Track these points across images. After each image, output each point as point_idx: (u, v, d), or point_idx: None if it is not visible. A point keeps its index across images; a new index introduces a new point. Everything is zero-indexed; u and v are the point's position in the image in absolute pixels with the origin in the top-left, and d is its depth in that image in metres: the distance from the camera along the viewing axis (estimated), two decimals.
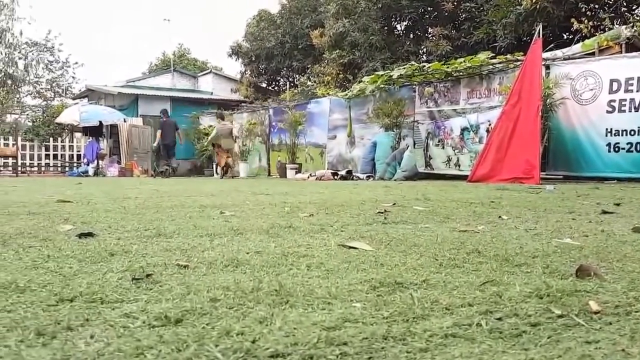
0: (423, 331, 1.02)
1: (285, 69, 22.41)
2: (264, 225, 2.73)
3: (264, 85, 23.17)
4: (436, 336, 1.00)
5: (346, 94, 13.88)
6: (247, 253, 1.88)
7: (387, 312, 1.14)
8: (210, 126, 19.39)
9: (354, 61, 17.60)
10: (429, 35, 16.91)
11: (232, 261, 1.71)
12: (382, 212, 3.37)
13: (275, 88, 23.49)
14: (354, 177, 11.79)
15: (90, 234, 2.38)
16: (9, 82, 27.62)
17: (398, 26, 19.24)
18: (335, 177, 11.67)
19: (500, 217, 3.25)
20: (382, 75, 12.48)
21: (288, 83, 21.86)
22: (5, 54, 27.64)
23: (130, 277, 1.46)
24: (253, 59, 21.87)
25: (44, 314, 1.11)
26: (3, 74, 27.34)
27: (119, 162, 18.58)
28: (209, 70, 25.32)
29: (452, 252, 1.94)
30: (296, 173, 14.41)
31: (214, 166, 17.27)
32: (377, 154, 11.90)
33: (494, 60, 10.76)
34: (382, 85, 12.49)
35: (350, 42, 17.51)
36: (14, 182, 10.74)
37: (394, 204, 4.11)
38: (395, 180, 10.74)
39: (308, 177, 12.33)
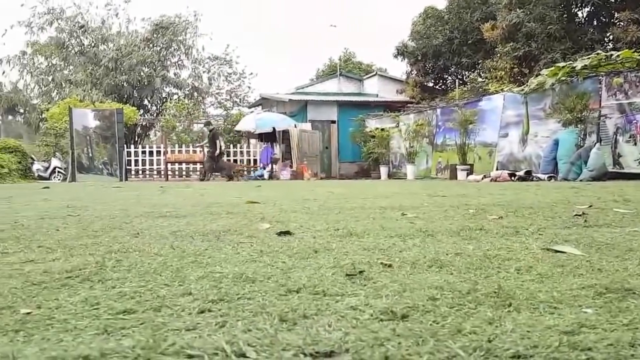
0: None
1: (453, 66, 21.85)
2: (452, 227, 2.68)
3: (430, 84, 22.85)
4: None
5: (522, 89, 13.12)
6: (447, 254, 1.87)
7: (625, 319, 1.06)
8: (377, 128, 19.68)
9: (529, 53, 16.57)
10: (616, 21, 15.29)
11: (434, 262, 1.71)
12: (579, 215, 3.12)
13: (443, 87, 23.02)
14: (534, 178, 11.09)
15: (288, 232, 2.55)
16: (195, 94, 30.77)
17: (579, 13, 17.72)
18: (513, 178, 11.08)
19: None
20: (563, 67, 11.60)
21: (457, 81, 21.30)
22: (192, 69, 30.90)
23: (343, 273, 1.53)
24: (419, 58, 21.68)
25: (279, 302, 1.21)
26: (190, 87, 30.55)
27: (290, 166, 19.64)
28: (374, 73, 25.65)
29: None
30: (467, 175, 13.94)
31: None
32: (559, 153, 11.07)
33: None
34: (563, 78, 11.59)
35: (526, 33, 16.51)
36: (203, 185, 11.92)
37: (590, 206, 3.79)
38: (581, 180, 9.89)
39: (482, 179, 11.88)
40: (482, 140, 15.00)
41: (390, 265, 1.66)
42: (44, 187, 9.86)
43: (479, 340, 0.93)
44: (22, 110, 34.24)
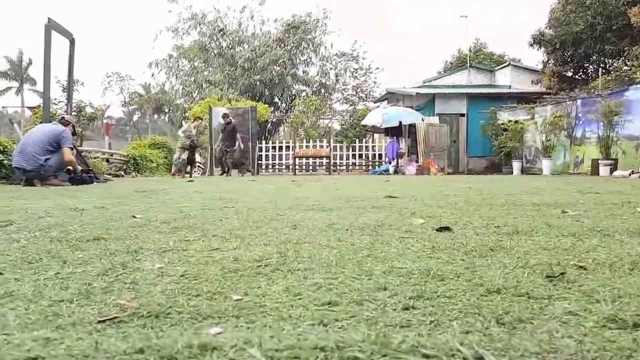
0: None
1: (595, 54, 20.16)
2: (627, 227, 2.45)
3: (569, 74, 21.30)
4: None
5: None
6: None
7: None
8: (510, 121, 18.72)
9: None
10: None
11: (635, 265, 1.55)
12: None
13: (583, 76, 21.34)
14: None
15: (447, 228, 2.47)
16: (322, 90, 31.42)
17: None
18: None
19: None
20: None
21: (599, 70, 19.65)
22: (320, 66, 31.57)
23: (538, 274, 1.43)
24: (557, 46, 20.24)
25: (484, 303, 1.15)
26: (318, 83, 31.26)
27: (416, 161, 19.34)
28: (507, 63, 24.41)
29: None
30: (611, 170, 12.83)
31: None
32: None
33: None
34: None
35: None
36: (332, 179, 12.08)
37: None
38: None
39: (630, 174, 10.84)
40: (628, 133, 13.69)
41: (584, 268, 1.53)
42: (189, 181, 10.60)
43: None
44: (166, 110, 37.26)
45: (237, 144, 16.31)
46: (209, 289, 1.28)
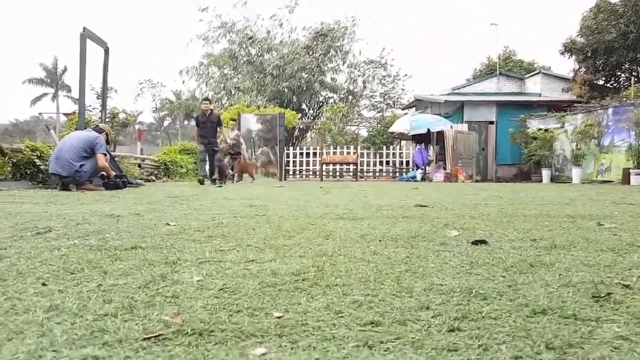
0: None
1: (627, 62, 19.81)
2: None
3: (600, 82, 20.94)
4: None
5: None
6: None
7: None
8: (539, 129, 18.45)
9: None
10: None
11: None
12: None
13: (615, 85, 20.95)
14: None
15: (483, 242, 2.43)
16: (350, 97, 31.42)
17: None
18: None
19: None
20: None
21: (632, 78, 19.27)
22: (348, 73, 31.59)
23: (582, 293, 1.40)
24: (589, 54, 19.93)
25: (531, 325, 1.12)
26: (346, 90, 31.27)
27: (444, 168, 19.17)
28: (537, 71, 24.07)
29: None
30: None
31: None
32: None
33: None
34: None
35: None
36: (359, 186, 12.04)
37: None
38: None
39: None
40: None
41: (629, 287, 1.49)
42: (218, 186, 10.68)
43: None
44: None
45: (220, 139, 12.44)
46: (249, 304, 1.28)
